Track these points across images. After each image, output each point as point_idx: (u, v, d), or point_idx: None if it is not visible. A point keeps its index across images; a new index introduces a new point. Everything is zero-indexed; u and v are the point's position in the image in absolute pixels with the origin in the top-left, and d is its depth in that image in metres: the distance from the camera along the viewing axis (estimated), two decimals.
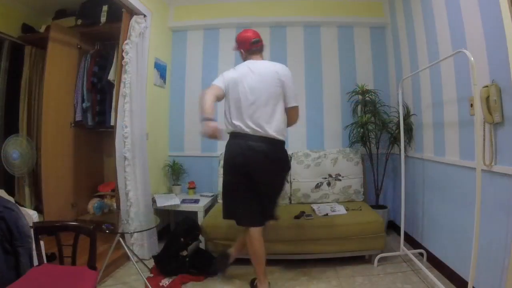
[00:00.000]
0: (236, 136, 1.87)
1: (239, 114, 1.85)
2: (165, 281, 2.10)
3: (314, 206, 2.56)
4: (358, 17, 3.10)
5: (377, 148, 2.83)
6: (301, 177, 2.75)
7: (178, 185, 3.07)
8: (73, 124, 3.01)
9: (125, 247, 2.08)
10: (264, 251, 1.89)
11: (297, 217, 2.36)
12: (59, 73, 2.83)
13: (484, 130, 1.60)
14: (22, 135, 2.82)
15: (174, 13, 3.20)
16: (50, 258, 1.89)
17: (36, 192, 2.97)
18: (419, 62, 2.46)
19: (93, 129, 3.11)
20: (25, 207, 2.09)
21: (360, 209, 2.48)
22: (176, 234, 2.32)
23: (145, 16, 2.57)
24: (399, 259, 2.36)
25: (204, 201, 2.77)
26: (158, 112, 2.99)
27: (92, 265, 1.47)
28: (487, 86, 1.55)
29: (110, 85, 2.85)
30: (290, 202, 2.77)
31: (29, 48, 3.04)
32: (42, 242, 1.56)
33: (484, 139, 1.60)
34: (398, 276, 2.11)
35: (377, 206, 2.81)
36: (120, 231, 2.12)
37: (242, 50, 2.00)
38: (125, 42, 2.43)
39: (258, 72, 1.87)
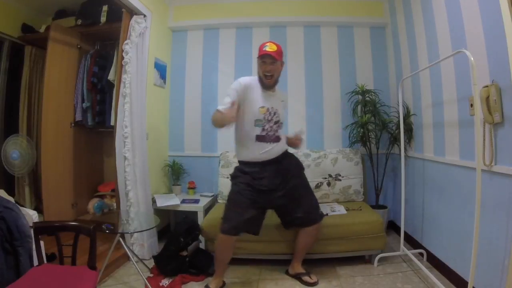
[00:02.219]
0: None
1: None
2: (165, 281, 2.10)
3: None
4: (358, 17, 3.09)
5: (377, 148, 2.83)
6: None
7: (178, 185, 3.07)
8: (73, 124, 3.01)
9: (125, 247, 2.08)
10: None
11: None
12: (59, 73, 2.83)
13: (484, 130, 1.60)
14: (22, 135, 2.82)
15: (174, 13, 3.19)
16: (50, 258, 1.89)
17: (36, 192, 2.97)
18: (419, 62, 2.45)
19: (93, 129, 3.11)
20: (25, 207, 2.09)
21: (360, 209, 2.48)
22: (176, 234, 2.32)
23: (145, 16, 2.57)
24: (399, 259, 2.35)
25: (204, 201, 2.77)
26: (158, 112, 2.99)
27: (92, 265, 1.47)
28: (487, 86, 1.55)
29: (110, 85, 2.86)
30: None
31: (29, 48, 3.04)
32: (42, 242, 1.56)
33: (484, 139, 1.60)
34: (398, 276, 2.11)
35: (377, 206, 2.81)
36: (120, 231, 2.12)
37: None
38: (125, 42, 2.42)
39: None
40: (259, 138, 1.92)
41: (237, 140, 2.02)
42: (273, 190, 1.94)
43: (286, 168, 2.01)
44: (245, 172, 1.94)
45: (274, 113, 1.95)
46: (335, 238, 2.23)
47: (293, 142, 2.08)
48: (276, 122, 1.96)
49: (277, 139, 1.97)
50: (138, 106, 2.45)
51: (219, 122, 1.78)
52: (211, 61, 3.21)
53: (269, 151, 1.93)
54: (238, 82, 1.93)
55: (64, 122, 2.93)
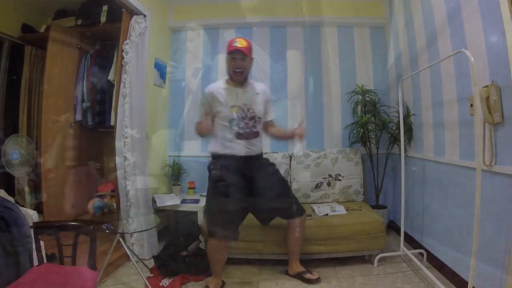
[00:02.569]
0: None
1: None
2: (165, 281, 2.10)
3: (314, 206, 2.56)
4: (358, 17, 3.09)
5: (377, 148, 2.83)
6: (301, 177, 2.74)
7: (178, 185, 3.06)
8: (73, 124, 3.01)
9: (125, 247, 2.08)
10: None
11: None
12: (59, 73, 2.83)
13: (484, 130, 1.60)
14: (22, 135, 2.82)
15: (174, 13, 3.19)
16: (50, 258, 1.89)
17: (36, 192, 2.97)
18: (419, 62, 2.45)
19: (93, 129, 3.11)
20: (25, 207, 2.09)
21: (360, 209, 2.48)
22: (176, 234, 2.32)
23: (145, 16, 2.57)
24: (399, 259, 2.35)
25: (204, 201, 2.76)
26: (158, 112, 2.99)
27: (92, 265, 1.47)
28: (487, 86, 1.55)
29: (110, 85, 2.85)
30: None
31: (29, 48, 3.04)
32: (42, 242, 1.56)
33: (484, 139, 1.60)
34: (398, 276, 2.11)
35: (377, 206, 2.81)
36: (120, 231, 2.12)
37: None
38: (125, 42, 2.42)
39: None
40: (239, 136, 1.93)
41: (219, 138, 1.98)
42: (255, 182, 1.97)
43: (263, 163, 2.10)
44: (231, 168, 1.90)
45: (248, 109, 1.95)
46: (335, 238, 2.23)
47: (298, 132, 1.91)
48: (251, 118, 1.95)
49: (256, 134, 1.99)
50: (138, 106, 2.45)
51: (200, 133, 1.95)
52: (211, 61, 3.21)
53: (252, 146, 1.97)
54: (205, 91, 2.02)
55: (64, 122, 2.93)
